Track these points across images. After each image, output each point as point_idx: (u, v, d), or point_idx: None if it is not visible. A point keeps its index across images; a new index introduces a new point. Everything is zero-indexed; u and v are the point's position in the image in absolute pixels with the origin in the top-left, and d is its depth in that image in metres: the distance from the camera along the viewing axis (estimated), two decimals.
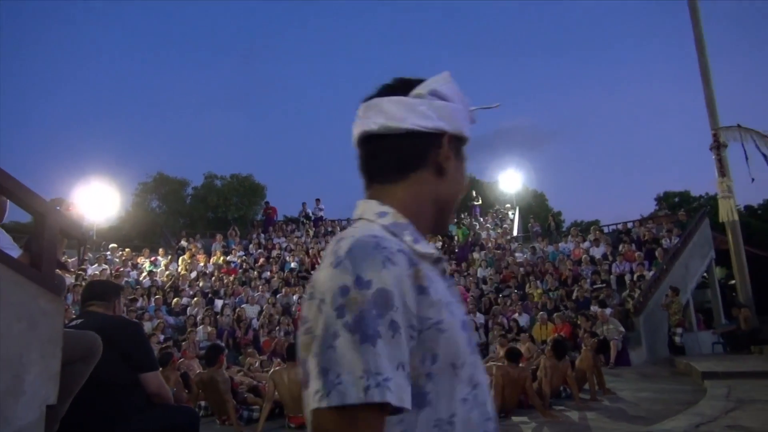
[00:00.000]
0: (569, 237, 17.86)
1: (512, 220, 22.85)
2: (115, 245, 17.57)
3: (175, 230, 23.86)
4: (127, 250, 17.80)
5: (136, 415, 2.96)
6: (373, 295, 0.78)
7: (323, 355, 0.76)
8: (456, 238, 19.30)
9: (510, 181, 28.29)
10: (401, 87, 1.01)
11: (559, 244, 17.38)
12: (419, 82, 1.02)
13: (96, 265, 15.51)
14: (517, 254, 17.47)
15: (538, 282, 14.95)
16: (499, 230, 20.84)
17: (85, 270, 14.40)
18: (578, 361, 7.99)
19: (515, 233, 21.36)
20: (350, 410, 0.73)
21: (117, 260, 16.67)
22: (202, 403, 7.61)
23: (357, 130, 1.02)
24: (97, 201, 20.43)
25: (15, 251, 2.60)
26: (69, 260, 9.96)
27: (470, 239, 18.97)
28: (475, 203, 23.51)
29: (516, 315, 13.31)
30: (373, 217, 0.95)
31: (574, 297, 13.59)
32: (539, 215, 26.35)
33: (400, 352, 0.77)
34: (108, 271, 15.03)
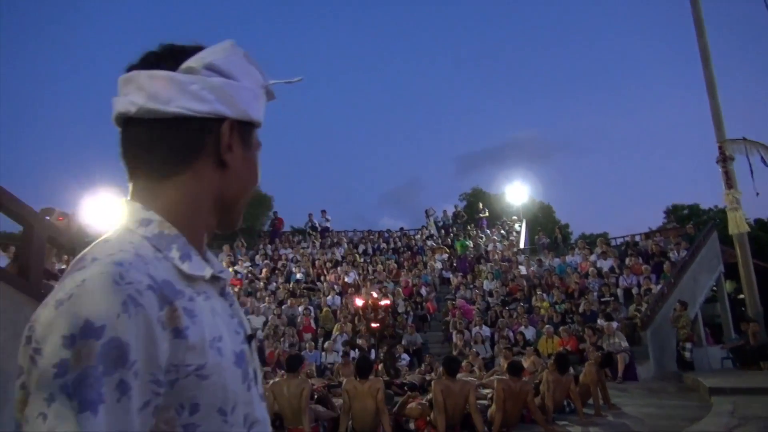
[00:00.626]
0: (576, 250, 17.75)
1: (519, 233, 22.75)
2: None
3: None
4: None
5: None
6: (103, 347, 0.61)
7: (32, 423, 0.60)
8: (455, 250, 19.30)
9: (517, 193, 28.19)
10: (169, 57, 0.80)
11: (566, 257, 17.26)
12: (194, 51, 0.81)
13: None
14: (522, 267, 17.37)
15: (545, 295, 14.85)
16: (506, 242, 20.74)
17: None
18: (582, 376, 7.89)
19: (522, 245, 21.26)
20: None
21: None
22: None
23: (114, 109, 0.81)
24: (106, 211, 20.56)
25: (2, 260, 2.61)
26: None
27: (469, 252, 18.89)
28: (482, 215, 23.44)
29: (522, 328, 13.21)
30: (133, 225, 0.76)
31: (580, 310, 13.47)
32: (546, 227, 26.22)
33: (125, 420, 0.61)
34: None
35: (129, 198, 0.81)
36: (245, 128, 0.85)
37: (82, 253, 0.73)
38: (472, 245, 19.22)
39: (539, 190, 44.30)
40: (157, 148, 0.79)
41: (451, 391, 6.51)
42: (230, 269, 18.08)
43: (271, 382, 7.04)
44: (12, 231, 21.00)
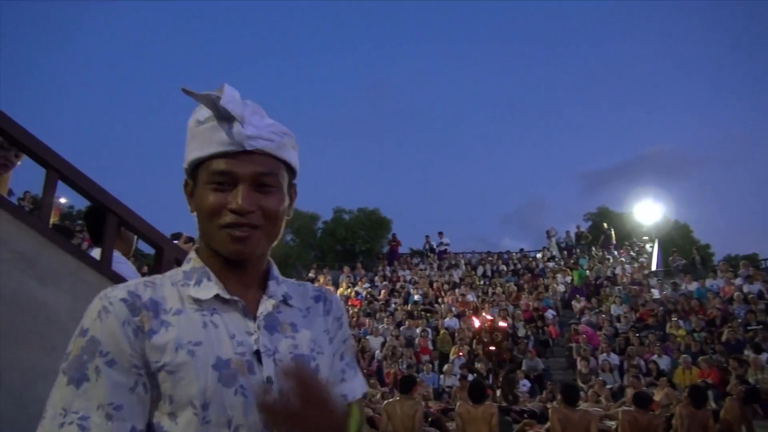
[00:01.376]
0: (718, 272, 16.15)
1: (650, 254, 21.16)
2: None
3: (307, 262, 25.12)
4: None
5: None
6: (86, 341, 0.87)
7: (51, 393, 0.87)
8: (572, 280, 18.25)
9: (648, 211, 26.31)
10: None
11: (706, 280, 15.75)
12: None
13: None
14: (655, 291, 16.11)
15: (681, 321, 13.63)
16: (636, 264, 19.39)
17: None
18: (723, 412, 7.12)
19: (654, 268, 19.74)
20: None
21: None
22: None
23: None
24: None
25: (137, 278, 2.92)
26: None
27: (591, 275, 17.81)
28: (608, 234, 22.17)
29: (655, 357, 12.20)
30: (184, 262, 1.03)
31: (723, 339, 12.20)
32: (683, 248, 24.14)
33: (103, 394, 0.84)
34: None
35: None
36: (192, 172, 1.01)
37: None
38: (588, 273, 18.02)
39: (675, 209, 40.85)
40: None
41: (570, 420, 6.16)
42: (349, 290, 18.66)
43: (386, 402, 7.13)
44: (148, 252, 23.36)
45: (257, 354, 0.94)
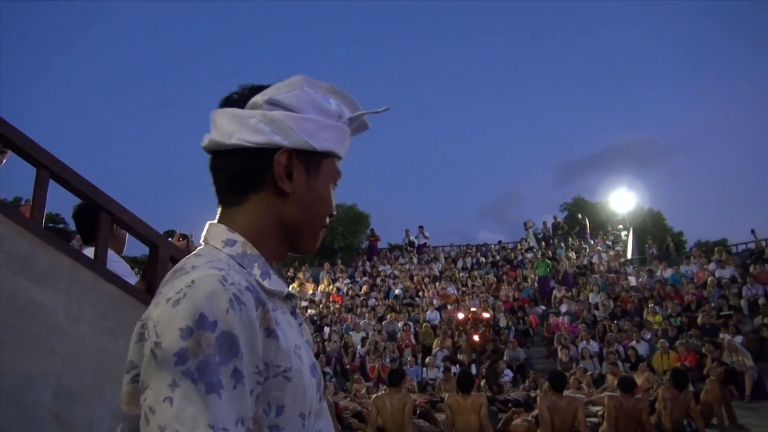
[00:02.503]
0: (692, 258, 16.55)
1: (626, 242, 21.56)
2: None
3: (287, 260, 24.98)
4: None
5: None
6: (217, 339, 0.68)
7: (158, 409, 0.66)
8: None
9: (622, 200, 26.79)
10: (243, 96, 0.90)
11: (681, 267, 16.13)
12: (265, 88, 0.89)
13: None
14: (632, 278, 16.44)
15: (657, 307, 13.94)
16: (612, 253, 19.74)
17: None
18: (703, 393, 7.31)
19: (629, 256, 20.13)
20: None
21: None
22: None
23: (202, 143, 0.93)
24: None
25: (132, 279, 2.89)
26: None
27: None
28: (582, 224, 22.53)
29: (633, 343, 12.47)
30: (219, 244, 0.85)
31: (699, 323, 12.51)
32: (657, 236, 24.66)
33: (242, 405, 0.69)
34: None
35: (216, 221, 0.90)
36: (309, 158, 0.89)
37: (178, 264, 0.82)
38: (550, 267, 17.97)
39: (648, 197, 41.66)
40: (225, 177, 0.89)
41: (558, 407, 6.26)
42: (331, 287, 18.64)
43: (374, 396, 7.15)
44: (135, 255, 23.04)
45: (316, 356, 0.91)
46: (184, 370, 0.66)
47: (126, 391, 0.77)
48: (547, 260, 17.61)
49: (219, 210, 0.91)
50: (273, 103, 0.87)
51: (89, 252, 2.78)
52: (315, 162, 0.90)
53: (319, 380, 0.85)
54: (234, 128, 0.85)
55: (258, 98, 0.87)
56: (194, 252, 0.85)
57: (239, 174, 0.87)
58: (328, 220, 0.95)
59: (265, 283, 0.82)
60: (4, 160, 2.72)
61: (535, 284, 17.44)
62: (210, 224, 0.89)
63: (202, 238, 0.88)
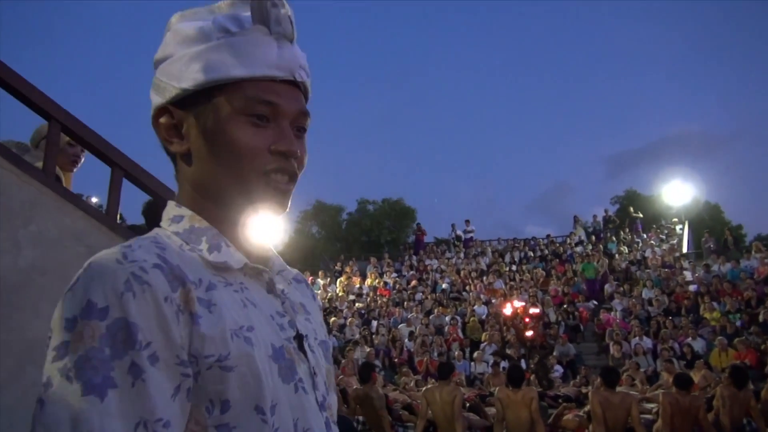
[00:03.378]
0: (752, 252, 15.88)
1: (681, 236, 20.87)
2: None
3: (333, 254, 25.32)
4: None
5: None
6: (108, 328, 0.57)
7: (35, 413, 0.57)
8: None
9: (677, 193, 25.92)
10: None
11: (740, 261, 15.51)
12: None
13: None
14: (687, 273, 15.92)
15: (715, 303, 13.47)
16: (665, 247, 19.15)
17: None
18: (764, 392, 7.06)
19: (685, 250, 19.48)
20: None
21: None
22: (360, 417, 7.99)
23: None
24: (265, 228, 22.37)
25: None
26: None
27: (600, 274, 16.50)
28: (636, 217, 21.90)
29: (689, 340, 12.10)
30: (166, 223, 0.75)
31: (760, 320, 12.03)
32: (714, 230, 23.75)
33: (144, 406, 0.57)
34: None
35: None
36: (195, 101, 0.73)
37: None
38: (605, 264, 17.10)
39: (705, 189, 40.02)
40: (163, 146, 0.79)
41: (611, 403, 6.18)
42: (378, 281, 18.80)
43: (425, 388, 7.23)
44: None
45: (298, 339, 0.76)
46: (60, 368, 0.57)
47: None
48: (593, 262, 16.83)
49: None
50: (156, 65, 0.76)
51: None
52: (203, 103, 0.73)
53: (292, 368, 0.72)
54: (152, 94, 0.77)
55: (154, 59, 0.77)
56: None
57: (161, 139, 0.77)
58: (274, 161, 0.74)
59: (211, 257, 0.71)
60: (82, 160, 2.92)
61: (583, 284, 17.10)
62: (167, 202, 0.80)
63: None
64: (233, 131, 0.71)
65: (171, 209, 0.76)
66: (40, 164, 2.84)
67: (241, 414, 0.64)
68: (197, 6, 0.80)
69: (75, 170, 2.92)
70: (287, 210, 0.78)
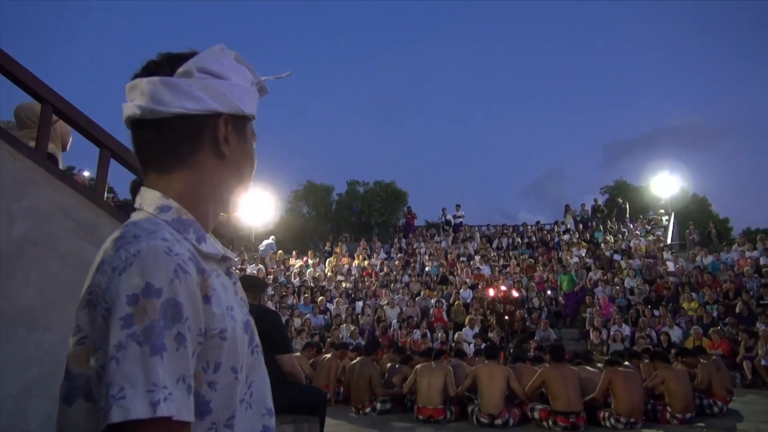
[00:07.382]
0: (735, 245, 16.15)
1: (666, 228, 21.17)
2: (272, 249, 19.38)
3: (323, 234, 25.49)
4: (279, 252, 19.43)
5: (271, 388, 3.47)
6: (162, 305, 0.75)
7: (107, 369, 0.72)
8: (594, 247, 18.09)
9: (665, 184, 26.18)
10: (166, 64, 0.93)
11: (721, 254, 15.79)
12: (188, 57, 0.93)
13: (254, 264, 17.33)
14: (670, 263, 16.21)
15: (694, 294, 13.78)
16: (651, 237, 19.43)
17: (244, 269, 16.18)
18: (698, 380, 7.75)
19: (669, 241, 19.78)
20: (135, 426, 0.70)
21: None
22: (338, 389, 8.63)
23: (124, 113, 0.94)
24: (256, 207, 22.41)
25: None
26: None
27: (578, 288, 15.51)
28: (622, 207, 22.17)
29: (666, 328, 12.41)
30: (155, 211, 0.89)
31: (737, 311, 12.32)
32: (701, 222, 24.06)
33: (183, 365, 0.76)
34: (263, 271, 16.71)
35: (146, 187, 0.93)
36: (239, 122, 0.97)
37: (117, 233, 0.85)
38: (575, 281, 16.49)
39: (694, 182, 40.35)
40: (163, 145, 0.91)
41: (561, 374, 6.91)
42: (366, 262, 19.01)
43: (421, 365, 7.76)
44: None
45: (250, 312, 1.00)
46: (130, 333, 0.72)
47: (71, 352, 0.81)
48: (572, 273, 15.98)
49: (148, 177, 0.93)
50: (204, 71, 0.92)
51: None
52: (242, 125, 0.98)
53: (252, 335, 0.95)
54: (169, 96, 0.89)
55: (189, 66, 0.91)
56: (131, 220, 0.89)
57: (177, 141, 0.91)
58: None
59: (202, 247, 0.89)
60: (70, 142, 3.05)
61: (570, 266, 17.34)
62: (143, 190, 0.93)
63: (137, 204, 0.92)
64: (252, 151, 1.01)
65: (157, 198, 0.90)
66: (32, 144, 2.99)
67: (224, 373, 0.84)
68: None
69: (65, 150, 3.07)
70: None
